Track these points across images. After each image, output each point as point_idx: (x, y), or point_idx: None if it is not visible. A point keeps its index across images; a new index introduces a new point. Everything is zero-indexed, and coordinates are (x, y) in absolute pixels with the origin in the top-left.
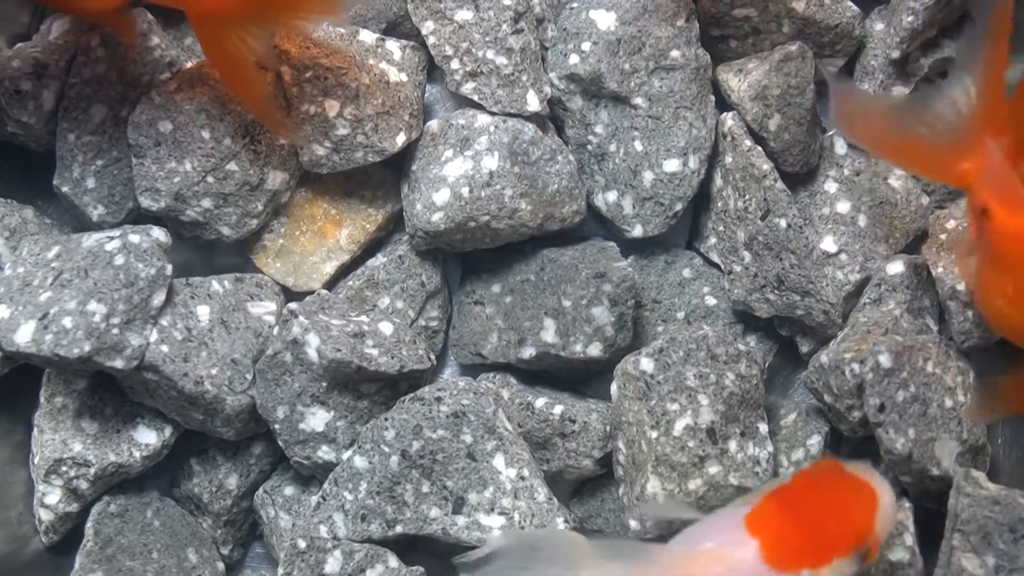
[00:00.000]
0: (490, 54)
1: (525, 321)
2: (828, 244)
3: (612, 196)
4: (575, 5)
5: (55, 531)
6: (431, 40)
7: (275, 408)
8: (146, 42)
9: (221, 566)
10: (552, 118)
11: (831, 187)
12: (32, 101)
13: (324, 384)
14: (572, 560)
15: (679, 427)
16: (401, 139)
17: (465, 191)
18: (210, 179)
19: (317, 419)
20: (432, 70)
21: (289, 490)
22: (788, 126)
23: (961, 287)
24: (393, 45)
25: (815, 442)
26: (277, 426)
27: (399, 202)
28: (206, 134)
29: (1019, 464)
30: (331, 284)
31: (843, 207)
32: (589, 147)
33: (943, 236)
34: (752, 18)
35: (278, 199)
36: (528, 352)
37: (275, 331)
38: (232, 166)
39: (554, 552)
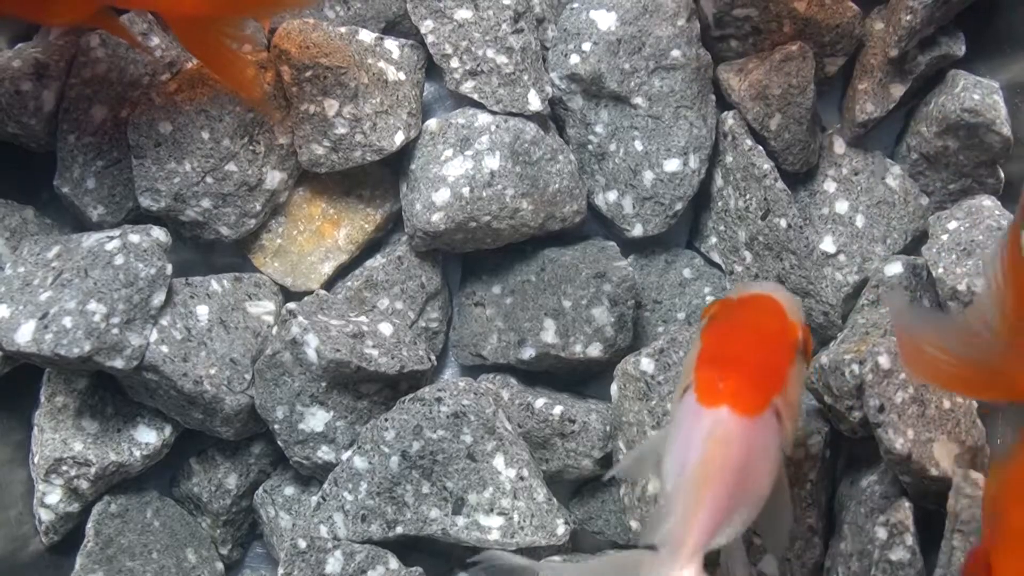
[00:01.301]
0: (490, 53)
1: (525, 322)
2: (827, 244)
3: (612, 196)
4: (575, 5)
5: (55, 531)
6: (430, 39)
7: (274, 408)
8: (147, 43)
9: (220, 566)
10: (553, 118)
11: (830, 187)
12: (32, 102)
13: (323, 384)
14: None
15: None
16: (400, 138)
17: (466, 191)
18: (209, 179)
19: (316, 419)
20: (431, 69)
21: (289, 490)
22: (788, 125)
23: (962, 287)
24: (392, 44)
25: (815, 442)
26: (276, 426)
27: (397, 202)
28: (205, 135)
29: None
30: (329, 284)
31: (842, 207)
32: (590, 147)
33: (944, 237)
34: (752, 18)
35: (276, 199)
36: (528, 353)
37: (274, 331)
38: (231, 166)
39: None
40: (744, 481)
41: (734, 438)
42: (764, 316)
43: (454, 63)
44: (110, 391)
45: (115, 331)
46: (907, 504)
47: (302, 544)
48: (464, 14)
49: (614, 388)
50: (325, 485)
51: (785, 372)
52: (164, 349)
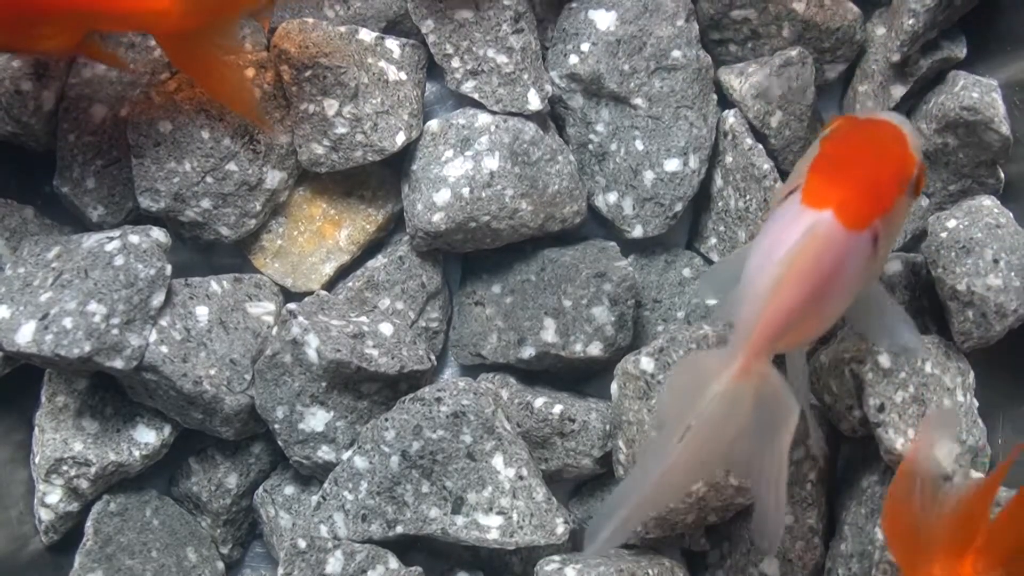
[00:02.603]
0: (491, 53)
1: (525, 321)
2: None
3: (613, 197)
4: (575, 5)
5: (55, 530)
6: (431, 39)
7: (274, 408)
8: (146, 42)
9: (220, 565)
10: (553, 117)
11: None
12: (32, 101)
13: (323, 384)
14: (702, 382)
15: None
16: (400, 138)
17: (466, 191)
18: (209, 179)
19: (316, 419)
20: (432, 68)
21: (289, 489)
22: (789, 122)
23: (961, 286)
24: (392, 43)
25: (815, 442)
26: (276, 426)
27: (399, 202)
28: (205, 134)
29: (1018, 465)
30: (331, 285)
31: None
32: (590, 146)
33: (943, 235)
34: (751, 20)
35: (276, 199)
36: (528, 352)
37: (274, 331)
38: (231, 166)
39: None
40: (825, 291)
41: (831, 244)
42: (886, 140)
43: (455, 63)
44: (110, 391)
45: (115, 331)
46: None
47: (302, 544)
48: (465, 14)
49: (614, 387)
50: (325, 485)
51: (893, 199)
52: (164, 349)
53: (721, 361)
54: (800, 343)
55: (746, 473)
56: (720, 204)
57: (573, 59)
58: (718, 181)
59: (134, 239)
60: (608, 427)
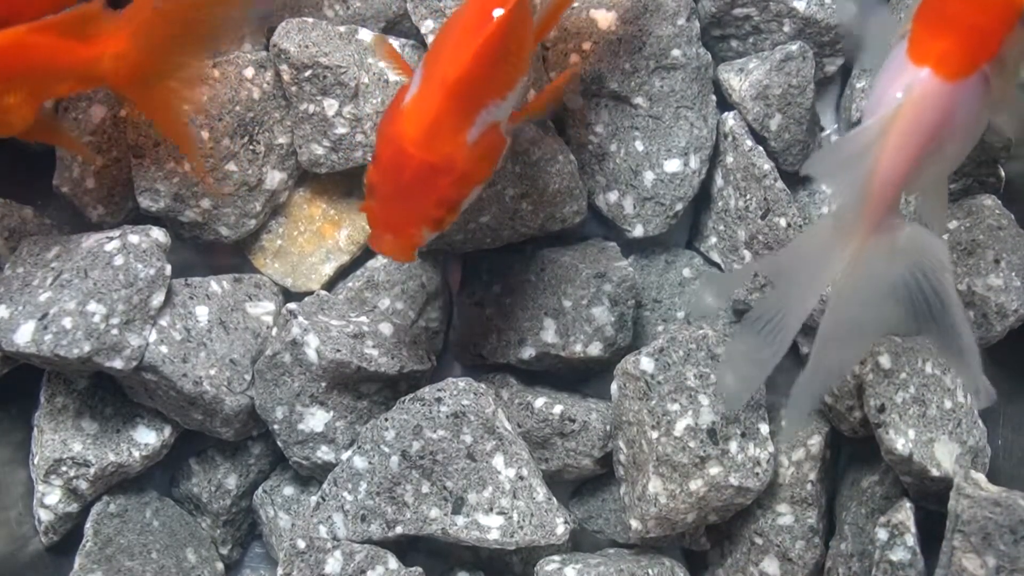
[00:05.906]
0: None
1: (525, 321)
2: None
3: (613, 196)
4: (575, 4)
5: (55, 531)
6: (431, 39)
7: (274, 408)
8: None
9: (220, 566)
10: (552, 118)
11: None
12: None
13: (323, 384)
14: (816, 247)
15: (680, 427)
16: None
17: None
18: (209, 179)
19: (316, 419)
20: None
21: (288, 490)
22: (788, 126)
23: (962, 287)
24: (393, 44)
25: (815, 442)
26: (276, 426)
27: None
28: (205, 134)
29: (1019, 465)
30: (330, 285)
31: None
32: (590, 147)
33: (944, 236)
34: (753, 17)
35: (276, 199)
36: (528, 352)
37: (273, 332)
38: (231, 166)
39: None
40: (937, 144)
41: (930, 103)
42: None
43: None
44: (110, 392)
45: (114, 332)
46: (908, 504)
47: (301, 544)
48: None
49: (614, 387)
50: (325, 485)
51: (1001, 38)
52: (163, 350)
53: (841, 230)
54: (929, 182)
55: (920, 329)
56: (720, 203)
57: (574, 58)
58: (718, 180)
59: (134, 239)
60: (608, 427)
